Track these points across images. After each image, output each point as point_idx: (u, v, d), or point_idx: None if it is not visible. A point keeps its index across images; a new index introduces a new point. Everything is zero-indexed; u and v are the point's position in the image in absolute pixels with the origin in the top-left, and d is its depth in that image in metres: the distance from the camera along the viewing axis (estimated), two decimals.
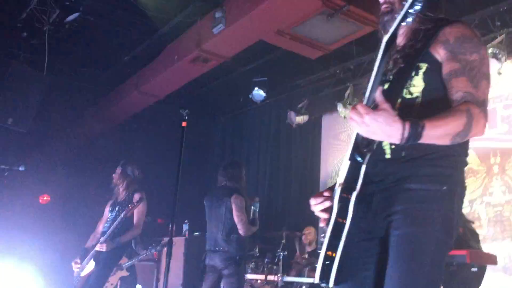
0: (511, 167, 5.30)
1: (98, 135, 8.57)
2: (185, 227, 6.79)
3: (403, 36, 1.86)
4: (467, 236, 3.77)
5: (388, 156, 1.75)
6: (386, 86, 1.75)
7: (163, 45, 6.56)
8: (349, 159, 1.69)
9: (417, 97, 1.74)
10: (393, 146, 1.73)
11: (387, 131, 1.50)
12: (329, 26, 5.21)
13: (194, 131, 5.23)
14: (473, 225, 4.10)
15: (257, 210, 4.90)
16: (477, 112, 1.63)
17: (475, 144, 5.61)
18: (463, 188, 1.78)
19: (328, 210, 1.77)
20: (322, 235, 1.88)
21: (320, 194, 1.84)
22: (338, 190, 1.71)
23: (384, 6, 1.88)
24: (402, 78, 1.73)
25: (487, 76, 1.72)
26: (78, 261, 4.85)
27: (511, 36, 5.41)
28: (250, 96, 7.07)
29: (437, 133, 1.56)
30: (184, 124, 3.77)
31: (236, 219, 4.66)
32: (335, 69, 6.87)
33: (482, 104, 1.67)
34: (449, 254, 1.71)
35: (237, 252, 4.66)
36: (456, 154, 1.75)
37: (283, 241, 5.68)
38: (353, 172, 1.68)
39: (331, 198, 1.78)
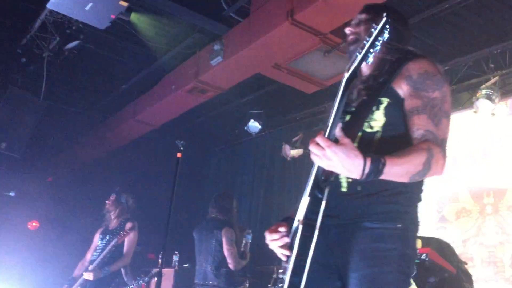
0: (505, 208, 5.30)
1: (92, 162, 8.53)
2: (175, 258, 6.68)
3: (369, 65, 1.85)
4: (461, 277, 3.74)
5: (344, 189, 1.74)
6: (348, 117, 1.76)
7: (161, 75, 6.61)
8: (309, 195, 1.65)
9: (377, 131, 1.73)
10: (349, 180, 1.72)
11: (347, 165, 1.47)
12: (326, 62, 5.28)
13: (188, 161, 5.23)
14: (466, 266, 4.07)
15: (249, 241, 4.85)
16: (438, 151, 1.62)
17: (468, 183, 5.65)
18: (417, 224, 1.77)
19: (286, 246, 1.75)
20: (281, 271, 1.84)
21: (276, 230, 1.81)
22: (299, 228, 1.66)
23: (350, 37, 1.92)
24: (364, 111, 1.72)
25: (448, 115, 1.73)
26: None
27: (505, 78, 5.50)
28: (245, 128, 7.10)
29: (397, 171, 1.55)
30: (179, 155, 3.77)
31: (226, 252, 4.60)
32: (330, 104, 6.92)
33: (442, 143, 1.67)
34: None
35: (227, 286, 4.58)
36: (411, 190, 1.75)
37: (275, 275, 5.59)
38: (313, 208, 1.65)
39: (288, 234, 1.77)
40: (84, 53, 6.03)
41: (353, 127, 1.69)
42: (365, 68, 1.89)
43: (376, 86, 1.75)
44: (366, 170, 1.48)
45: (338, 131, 1.53)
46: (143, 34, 5.48)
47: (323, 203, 1.64)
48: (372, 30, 1.50)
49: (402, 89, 1.73)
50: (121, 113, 7.64)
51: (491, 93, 5.15)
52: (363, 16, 1.94)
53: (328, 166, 1.51)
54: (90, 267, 4.63)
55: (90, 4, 4.52)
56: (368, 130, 1.73)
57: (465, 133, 5.80)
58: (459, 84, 5.78)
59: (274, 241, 1.79)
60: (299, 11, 4.47)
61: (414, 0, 4.90)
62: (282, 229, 1.80)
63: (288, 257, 1.72)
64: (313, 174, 1.63)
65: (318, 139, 1.49)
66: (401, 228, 1.68)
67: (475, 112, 5.39)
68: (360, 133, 1.73)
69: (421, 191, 1.81)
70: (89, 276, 4.56)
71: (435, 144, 1.63)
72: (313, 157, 1.52)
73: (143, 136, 7.79)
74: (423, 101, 1.68)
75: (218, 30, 5.44)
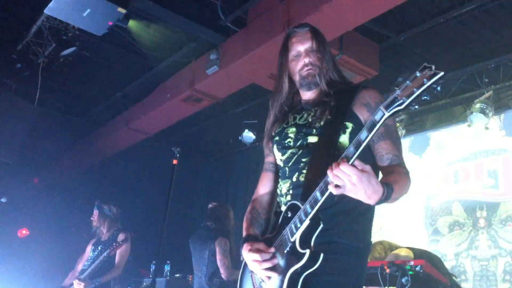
0: (497, 221, 5.31)
1: (85, 170, 8.47)
2: (167, 267, 6.61)
3: (318, 92, 2.00)
4: None
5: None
6: (314, 139, 1.86)
7: (157, 83, 6.61)
8: (310, 219, 1.67)
9: (342, 153, 1.80)
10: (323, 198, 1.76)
11: (369, 192, 1.52)
12: None
13: (182, 170, 5.18)
14: (458, 280, 4.07)
15: None
16: (408, 173, 1.78)
17: (461, 196, 5.66)
18: (371, 243, 1.90)
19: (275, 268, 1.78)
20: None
21: (263, 249, 1.82)
22: (307, 253, 1.68)
23: (307, 68, 1.98)
24: (332, 134, 1.82)
25: (400, 140, 1.90)
26: None
27: (499, 93, 5.55)
28: (240, 138, 7.09)
29: (397, 195, 1.64)
30: (175, 162, 3.74)
31: (219, 263, 4.55)
32: None
33: (405, 165, 1.82)
34: None
35: None
36: (371, 208, 1.84)
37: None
38: (311, 231, 1.70)
39: (276, 254, 1.79)
40: (79, 60, 6.01)
41: (323, 148, 1.80)
42: (313, 94, 2.01)
43: (338, 109, 1.87)
44: (383, 197, 1.55)
45: (356, 161, 1.54)
46: (140, 42, 5.48)
47: (320, 227, 1.70)
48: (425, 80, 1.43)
49: (363, 115, 1.85)
50: (115, 121, 7.61)
51: (485, 107, 5.20)
52: (314, 44, 2.00)
53: (350, 192, 1.52)
54: (81, 276, 4.56)
55: (88, 10, 4.52)
56: (335, 152, 1.79)
57: (459, 147, 5.83)
58: (453, 98, 5.83)
59: (265, 262, 1.79)
60: (296, 22, 4.50)
61: (409, 15, 4.95)
62: (272, 250, 1.82)
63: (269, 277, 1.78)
64: (321, 200, 1.62)
65: (344, 167, 1.49)
66: (362, 247, 1.82)
67: (468, 125, 5.43)
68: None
69: (374, 208, 1.87)
70: (79, 285, 4.50)
71: (404, 167, 1.79)
72: (336, 181, 1.52)
73: (137, 144, 7.76)
74: (385, 128, 1.80)
75: (215, 39, 5.46)
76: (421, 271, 3.19)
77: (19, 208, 7.79)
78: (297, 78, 2.02)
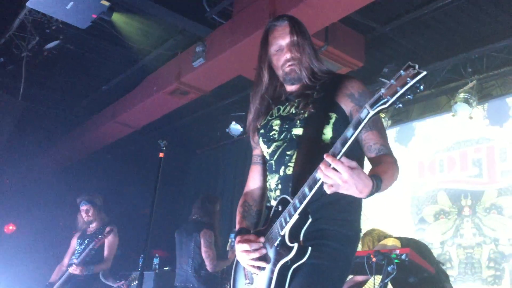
0: (482, 210, 5.39)
1: (71, 165, 8.40)
2: (155, 261, 6.61)
3: (299, 86, 2.01)
4: (440, 277, 3.79)
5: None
6: (298, 131, 1.88)
7: (142, 76, 6.56)
8: (299, 214, 1.71)
9: (327, 144, 1.84)
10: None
11: (360, 187, 1.56)
12: None
13: (169, 163, 5.19)
14: (444, 267, 4.13)
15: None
16: (396, 162, 1.81)
17: (446, 185, 5.74)
18: (360, 230, 1.94)
19: (264, 258, 1.82)
20: (247, 281, 1.93)
21: (253, 240, 1.85)
22: (295, 247, 1.72)
23: (289, 63, 1.99)
24: (316, 125, 1.86)
25: (385, 129, 1.94)
26: None
27: (482, 83, 5.61)
28: (227, 130, 7.08)
29: (386, 185, 1.68)
30: (161, 155, 3.72)
31: (204, 254, 4.57)
32: None
33: (393, 155, 1.85)
34: None
35: None
36: (359, 198, 1.85)
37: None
38: (300, 225, 1.74)
39: (265, 245, 1.83)
40: (63, 54, 5.95)
41: (308, 140, 1.83)
42: (296, 87, 2.02)
43: (321, 100, 1.88)
44: (373, 189, 1.60)
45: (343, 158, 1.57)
46: (125, 35, 5.43)
47: (309, 221, 1.74)
48: (408, 80, 1.44)
49: (347, 106, 1.88)
50: (101, 115, 7.56)
51: (469, 97, 5.26)
52: (294, 38, 2.00)
53: (343, 189, 1.56)
54: (77, 261, 4.53)
55: (71, 3, 4.47)
56: (321, 143, 1.84)
57: (443, 136, 5.90)
58: (437, 88, 5.88)
59: (254, 253, 1.82)
60: (281, 13, 4.49)
61: (394, 6, 4.97)
62: (261, 240, 1.85)
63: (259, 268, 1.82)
64: (310, 195, 1.66)
65: (335, 164, 1.52)
66: (351, 235, 1.86)
67: (453, 115, 5.49)
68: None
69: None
70: (76, 270, 4.48)
71: (392, 156, 1.83)
72: (328, 181, 1.55)
73: (124, 138, 7.72)
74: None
75: (200, 31, 5.43)
76: (406, 259, 3.23)
77: (4, 204, 7.71)
78: (280, 73, 2.04)
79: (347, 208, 1.85)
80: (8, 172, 7.82)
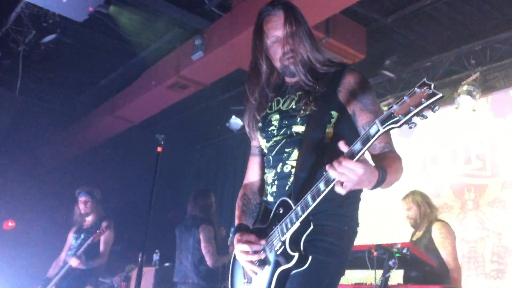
0: (485, 203, 5.34)
1: (69, 160, 8.36)
2: (156, 257, 6.58)
3: (299, 78, 1.93)
4: (442, 271, 3.77)
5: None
6: (299, 129, 1.84)
7: (141, 70, 6.50)
8: (300, 222, 1.69)
9: (328, 142, 1.80)
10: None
11: (371, 179, 1.54)
12: None
13: (169, 158, 5.14)
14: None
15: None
16: (400, 158, 1.77)
17: (449, 179, 5.68)
18: (357, 225, 1.90)
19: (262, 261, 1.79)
20: (245, 280, 1.90)
21: (254, 242, 1.81)
22: (296, 256, 1.70)
23: (288, 56, 1.92)
24: (319, 125, 1.80)
25: None
26: None
27: (485, 74, 5.54)
28: (227, 124, 7.02)
29: (391, 178, 1.64)
30: (159, 149, 3.66)
31: (203, 250, 4.54)
32: None
33: (397, 152, 1.81)
34: None
35: (207, 284, 4.52)
36: (357, 192, 1.84)
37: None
38: (301, 231, 1.71)
39: (265, 249, 1.80)
40: (61, 48, 5.89)
41: (308, 139, 1.79)
42: (295, 79, 1.95)
43: (323, 97, 1.82)
44: (379, 179, 1.57)
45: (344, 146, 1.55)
46: (123, 28, 5.37)
47: (310, 228, 1.72)
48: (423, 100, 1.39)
49: (349, 104, 1.83)
50: (100, 109, 7.50)
51: (472, 89, 5.19)
52: (291, 28, 1.92)
53: (354, 184, 1.52)
54: (77, 253, 4.49)
55: None
56: (321, 143, 1.80)
57: (446, 129, 5.83)
58: (440, 80, 5.81)
59: (253, 255, 1.79)
60: None
61: None
62: (262, 243, 1.81)
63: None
64: (312, 205, 1.64)
65: (345, 162, 1.49)
66: (348, 230, 1.83)
67: (456, 108, 5.42)
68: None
69: (361, 190, 1.85)
70: (74, 262, 4.43)
71: (396, 152, 1.79)
72: (344, 179, 1.51)
73: (123, 132, 7.67)
74: (373, 115, 1.78)
75: (199, 24, 5.36)
76: (407, 253, 3.20)
77: (3, 200, 7.67)
78: (278, 65, 1.97)
79: (344, 203, 1.82)
80: (6, 168, 7.77)
